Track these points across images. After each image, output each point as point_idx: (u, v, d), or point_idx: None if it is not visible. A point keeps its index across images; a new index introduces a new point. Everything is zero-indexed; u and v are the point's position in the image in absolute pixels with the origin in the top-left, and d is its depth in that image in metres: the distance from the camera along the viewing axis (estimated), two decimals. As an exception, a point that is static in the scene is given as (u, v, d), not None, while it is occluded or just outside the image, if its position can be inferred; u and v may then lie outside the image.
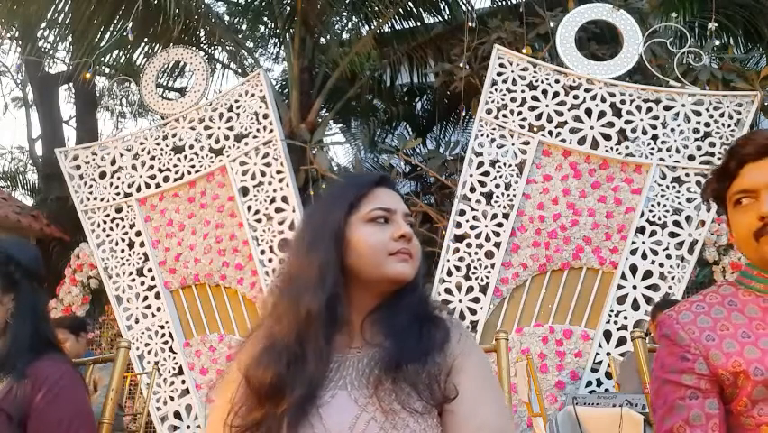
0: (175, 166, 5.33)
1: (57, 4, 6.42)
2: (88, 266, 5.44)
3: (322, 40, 7.49)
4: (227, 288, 5.12)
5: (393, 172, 6.44)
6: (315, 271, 1.13)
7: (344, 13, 7.91)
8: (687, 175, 4.65)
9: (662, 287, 4.55)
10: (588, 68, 4.89)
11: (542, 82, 4.89)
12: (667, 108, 4.72)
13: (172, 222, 5.29)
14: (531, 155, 4.81)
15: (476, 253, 4.76)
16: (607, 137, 4.74)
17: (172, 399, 5.05)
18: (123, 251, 5.36)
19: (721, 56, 5.87)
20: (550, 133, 4.83)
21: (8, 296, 1.52)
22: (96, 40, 6.56)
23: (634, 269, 4.60)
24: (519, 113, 4.88)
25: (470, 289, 4.74)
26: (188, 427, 4.95)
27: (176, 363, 5.09)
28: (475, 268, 4.75)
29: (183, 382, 5.05)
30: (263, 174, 5.11)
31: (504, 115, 4.90)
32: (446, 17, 7.62)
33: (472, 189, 4.87)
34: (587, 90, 4.83)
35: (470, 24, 6.01)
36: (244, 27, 8.39)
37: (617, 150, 4.71)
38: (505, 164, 4.84)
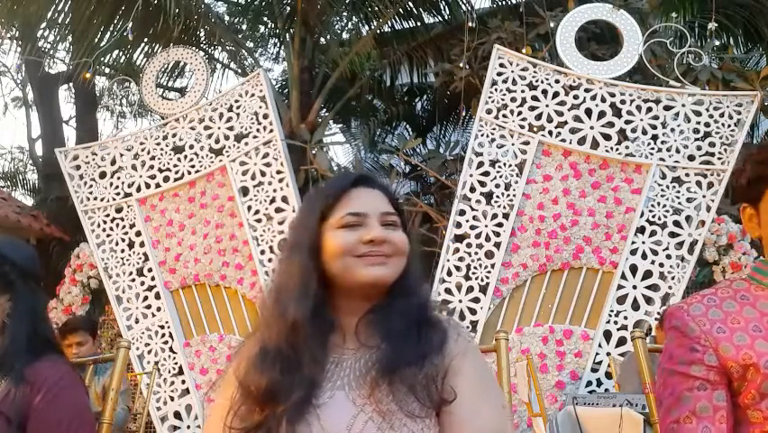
0: (175, 166, 5.33)
1: (57, 4, 6.43)
2: (88, 266, 5.43)
3: (322, 40, 7.49)
4: (227, 288, 5.12)
5: (393, 172, 6.44)
6: (296, 280, 1.15)
7: (344, 13, 7.91)
8: (687, 175, 4.65)
9: (662, 287, 4.55)
10: (588, 68, 4.89)
11: (542, 82, 4.89)
12: (667, 108, 4.72)
13: (172, 222, 5.29)
14: (531, 155, 4.81)
15: (476, 253, 4.76)
16: (607, 137, 4.74)
17: (172, 399, 5.05)
18: (123, 251, 5.36)
19: (721, 56, 5.88)
20: (550, 133, 4.82)
21: (4, 296, 1.50)
22: (96, 40, 6.57)
23: (634, 269, 4.60)
24: (519, 113, 4.88)
25: (470, 289, 4.73)
26: (188, 427, 4.95)
27: (176, 363, 5.09)
28: (475, 268, 4.75)
29: (183, 382, 5.05)
30: (263, 174, 5.11)
31: (504, 115, 4.90)
32: (446, 17, 7.63)
33: (472, 189, 4.87)
34: (587, 90, 4.83)
35: (470, 24, 6.01)
36: (244, 27, 8.39)
37: (617, 150, 4.71)
38: (505, 164, 4.84)
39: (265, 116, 5.17)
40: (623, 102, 4.77)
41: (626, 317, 4.53)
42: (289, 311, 1.13)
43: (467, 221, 4.83)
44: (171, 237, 5.27)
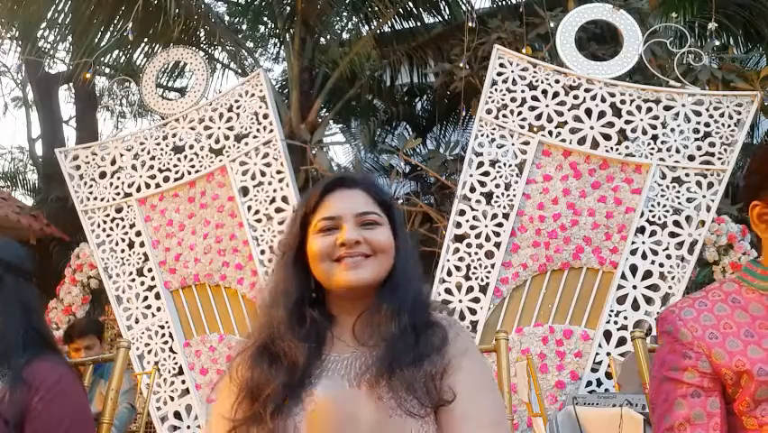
0: (175, 166, 5.33)
1: (57, 4, 6.43)
2: (88, 266, 5.43)
3: (322, 40, 7.50)
4: (227, 288, 5.12)
5: (393, 172, 6.44)
6: (280, 284, 1.21)
7: (344, 13, 7.91)
8: (687, 175, 4.65)
9: (662, 287, 4.55)
10: (588, 68, 4.89)
11: (542, 82, 4.89)
12: (667, 108, 4.72)
13: (172, 222, 5.28)
14: (531, 155, 4.80)
15: (476, 253, 4.76)
16: (607, 137, 4.74)
17: (172, 399, 5.05)
18: (123, 251, 5.36)
19: (721, 56, 5.88)
20: (550, 133, 4.82)
21: None
22: (96, 40, 6.57)
23: (634, 269, 4.60)
24: (519, 113, 4.87)
25: (470, 289, 4.73)
26: (188, 427, 4.95)
27: (176, 363, 5.09)
28: (475, 268, 4.75)
29: (183, 382, 5.05)
30: (263, 174, 5.10)
31: (504, 115, 4.90)
32: (446, 17, 7.63)
33: (472, 189, 4.87)
34: (587, 90, 4.83)
35: (470, 24, 6.00)
36: (244, 27, 8.40)
37: (617, 150, 4.71)
38: (505, 164, 4.84)
39: (265, 116, 5.16)
40: (623, 102, 4.77)
41: (626, 318, 4.53)
42: (274, 312, 1.18)
43: (467, 221, 4.82)
44: (171, 237, 5.27)
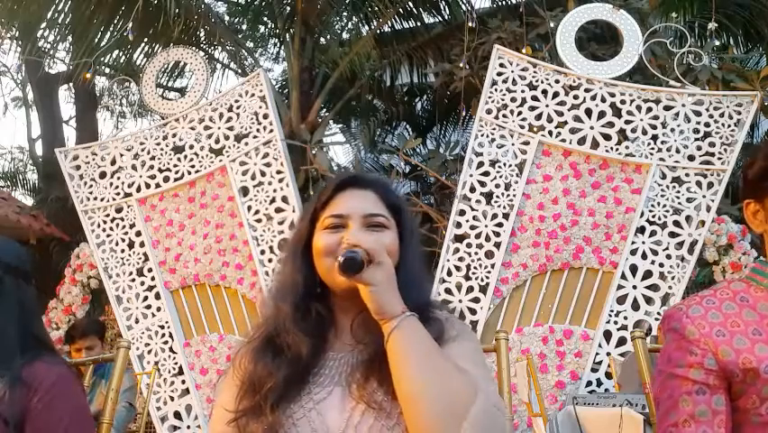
0: (175, 166, 5.33)
1: (57, 4, 6.43)
2: (88, 266, 5.43)
3: (322, 40, 7.50)
4: (227, 288, 5.12)
5: (393, 172, 6.44)
6: (287, 278, 1.22)
7: (344, 13, 7.92)
8: (687, 175, 4.65)
9: (662, 287, 4.55)
10: (588, 68, 4.89)
11: (542, 82, 4.89)
12: (667, 108, 4.72)
13: (172, 222, 5.28)
14: (531, 155, 4.80)
15: (476, 253, 4.76)
16: (607, 137, 4.74)
17: (172, 399, 5.05)
18: (123, 251, 5.35)
19: (721, 56, 5.88)
20: (550, 133, 4.82)
21: None
22: (96, 40, 6.57)
23: (634, 269, 4.60)
24: (519, 113, 4.87)
25: (470, 289, 4.73)
26: (188, 427, 4.95)
27: (176, 363, 5.09)
28: (475, 268, 4.75)
29: (183, 382, 5.05)
30: (263, 174, 5.10)
31: (504, 115, 4.90)
32: (446, 17, 7.64)
33: (472, 189, 4.87)
34: (587, 90, 4.83)
35: (470, 24, 6.00)
36: (244, 27, 8.40)
37: (617, 150, 4.71)
38: (505, 164, 4.84)
39: (265, 116, 5.16)
40: (623, 102, 4.77)
41: (626, 318, 4.53)
42: (280, 306, 1.20)
43: (467, 221, 4.82)
44: (171, 237, 5.27)
